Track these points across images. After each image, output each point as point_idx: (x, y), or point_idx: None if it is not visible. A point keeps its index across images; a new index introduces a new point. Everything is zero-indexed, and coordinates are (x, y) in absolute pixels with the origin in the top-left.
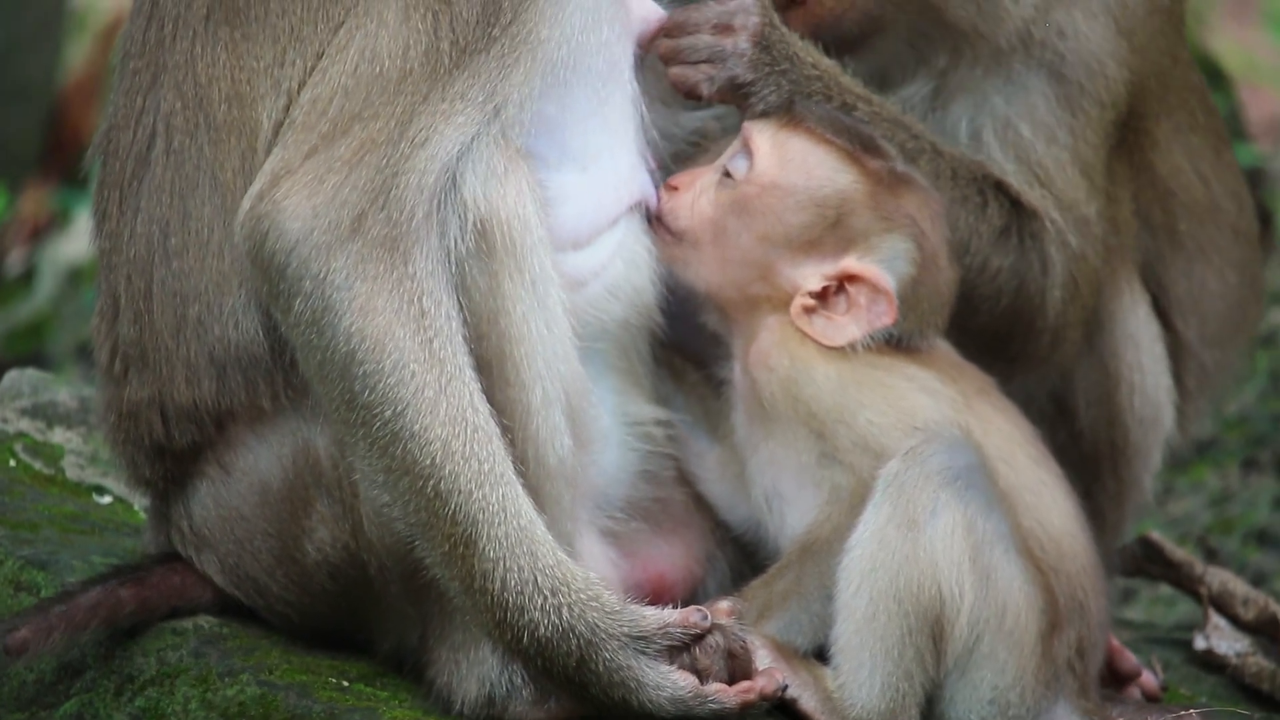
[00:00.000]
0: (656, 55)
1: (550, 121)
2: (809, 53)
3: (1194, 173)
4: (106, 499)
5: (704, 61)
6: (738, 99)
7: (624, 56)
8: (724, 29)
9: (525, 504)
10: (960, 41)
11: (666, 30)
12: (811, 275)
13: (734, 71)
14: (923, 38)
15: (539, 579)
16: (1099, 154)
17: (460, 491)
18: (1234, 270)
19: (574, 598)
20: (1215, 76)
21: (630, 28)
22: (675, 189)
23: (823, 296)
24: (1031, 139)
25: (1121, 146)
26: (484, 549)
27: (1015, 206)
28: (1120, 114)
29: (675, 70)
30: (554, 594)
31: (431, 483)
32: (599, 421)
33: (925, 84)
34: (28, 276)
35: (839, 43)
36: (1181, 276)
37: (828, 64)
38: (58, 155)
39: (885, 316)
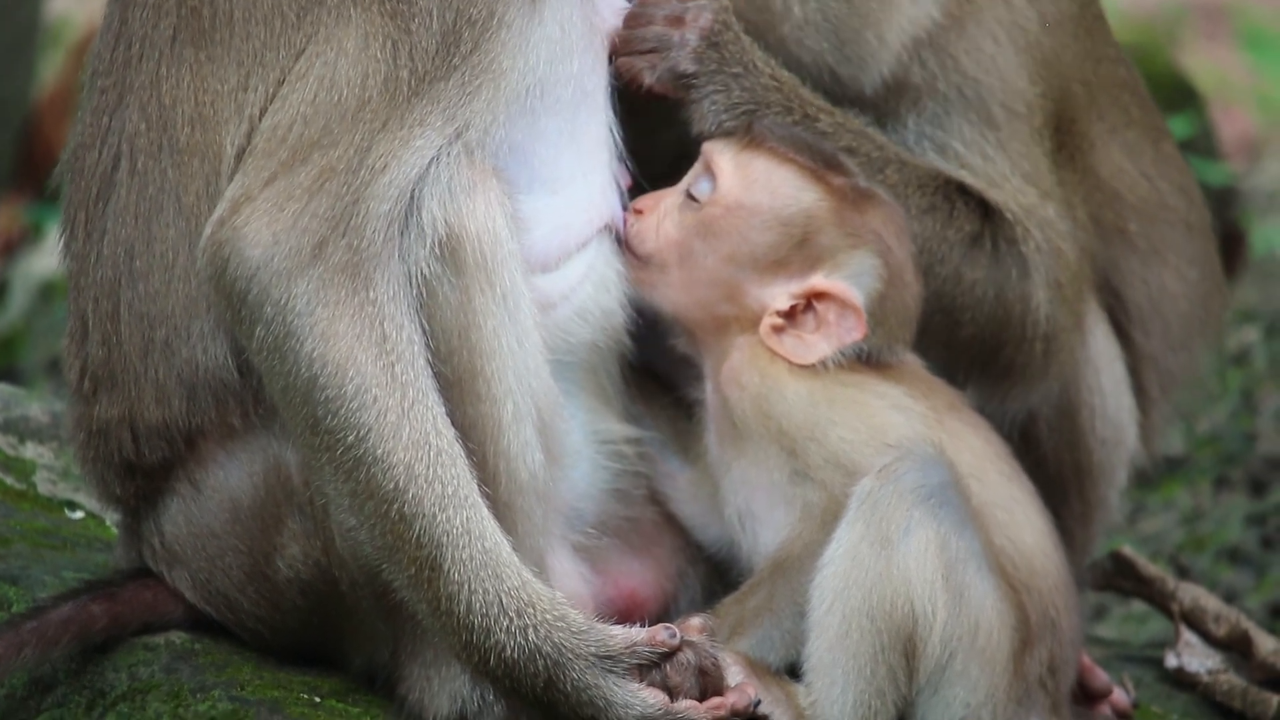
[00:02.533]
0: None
1: (519, 147)
2: (768, 64)
3: (1136, 171)
4: (78, 514)
5: (650, 51)
6: (680, 91)
7: (597, 85)
8: (675, 21)
9: (490, 526)
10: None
11: (624, 23)
12: (779, 294)
13: (675, 61)
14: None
15: (504, 600)
16: (1037, 162)
17: (424, 515)
18: (1192, 267)
19: (540, 618)
20: (1187, 96)
21: (604, 54)
22: (640, 213)
23: (791, 315)
24: (967, 154)
25: (1061, 153)
26: (449, 571)
27: (984, 212)
28: (1046, 120)
29: (621, 60)
30: (520, 615)
31: (396, 506)
32: (570, 437)
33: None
34: (0, 291)
35: None
36: (1138, 281)
37: (787, 76)
38: (31, 170)
39: (854, 332)
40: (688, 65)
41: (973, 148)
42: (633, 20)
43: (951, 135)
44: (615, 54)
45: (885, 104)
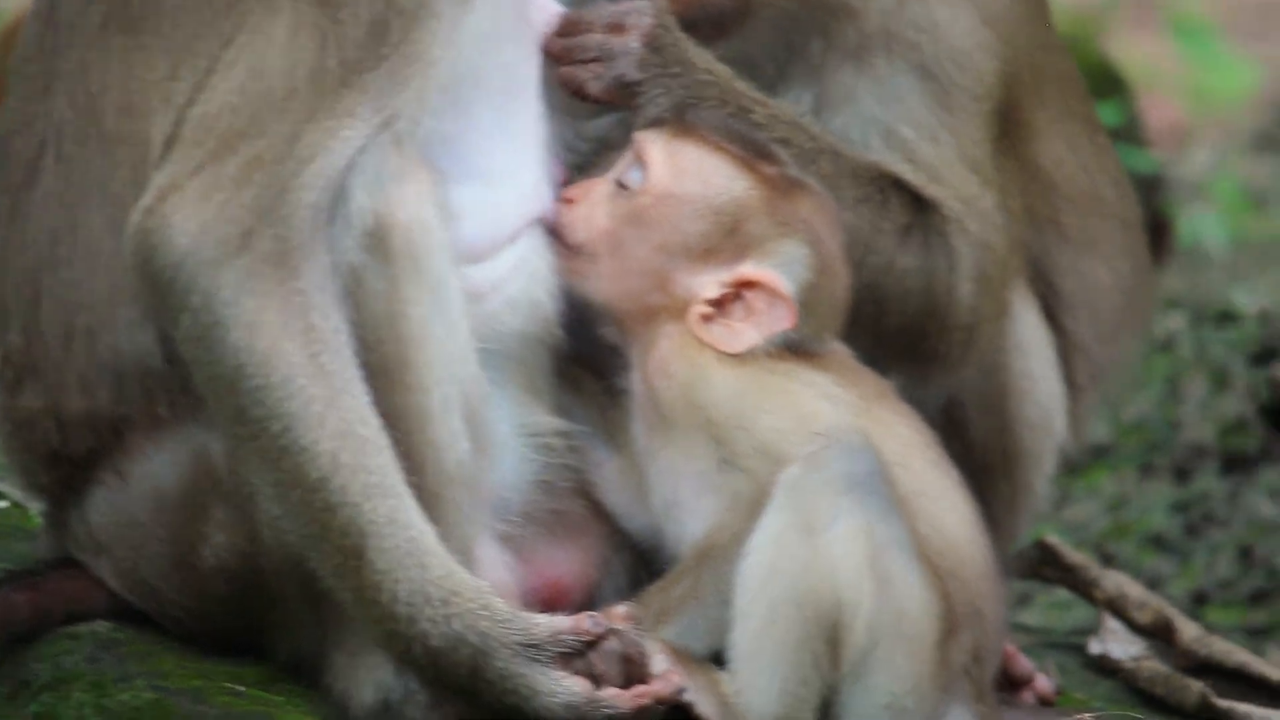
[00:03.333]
0: (549, 56)
1: (449, 138)
2: (703, 58)
3: (1075, 163)
4: (2, 504)
5: (593, 60)
6: (626, 99)
7: (528, 75)
8: (615, 28)
9: (415, 515)
10: (830, 21)
11: (560, 29)
12: (709, 283)
13: (621, 70)
14: (793, 21)
15: (429, 589)
16: (983, 148)
17: (349, 504)
18: (1123, 260)
19: (465, 607)
20: (1115, 83)
21: (535, 44)
22: (570, 202)
23: (721, 304)
24: (915, 141)
25: (1003, 140)
26: (374, 560)
27: (917, 204)
28: (996, 106)
29: (564, 70)
30: (445, 604)
31: (320, 495)
32: (498, 428)
33: (804, 91)
34: None
35: (711, 27)
36: (1070, 272)
37: (721, 69)
38: None
39: (783, 321)
40: (634, 74)
41: (923, 133)
42: (571, 28)
43: (901, 120)
44: (557, 61)
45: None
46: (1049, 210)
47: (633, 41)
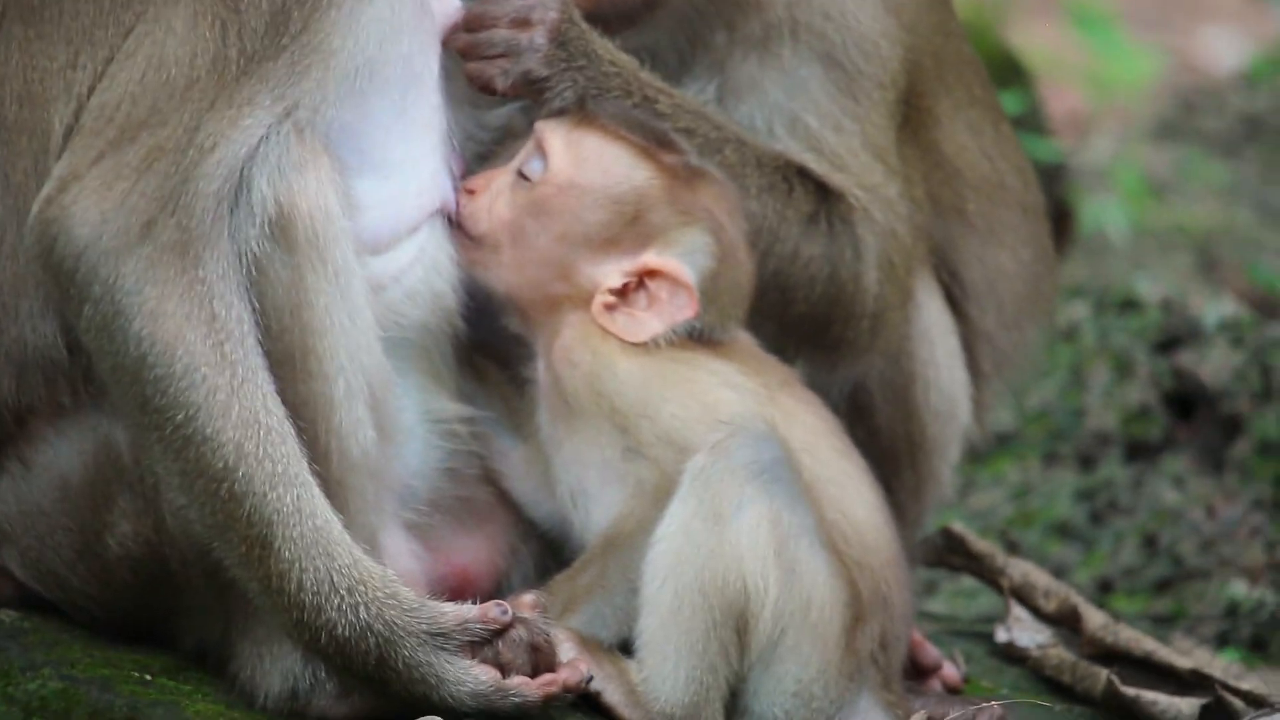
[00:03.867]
0: (454, 50)
1: (349, 129)
2: (607, 50)
3: (978, 150)
4: None
5: (499, 56)
6: (533, 94)
7: (427, 66)
8: (521, 23)
9: (321, 504)
10: (734, 12)
11: (465, 24)
12: (612, 272)
13: (528, 66)
14: (698, 12)
15: (335, 578)
16: (888, 136)
17: (254, 494)
18: (1026, 247)
19: (371, 596)
20: (1016, 72)
21: (434, 35)
22: (472, 193)
23: (623, 293)
24: (820, 130)
25: (906, 127)
26: (279, 550)
27: (822, 192)
28: (900, 93)
29: (471, 65)
30: (351, 593)
31: (226, 485)
32: (402, 415)
33: (709, 81)
34: None
35: (617, 19)
36: (975, 260)
37: (625, 60)
38: None
39: (686, 310)
40: (541, 70)
41: (827, 121)
42: (475, 22)
43: (806, 109)
44: (462, 56)
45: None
46: (952, 197)
47: (539, 37)
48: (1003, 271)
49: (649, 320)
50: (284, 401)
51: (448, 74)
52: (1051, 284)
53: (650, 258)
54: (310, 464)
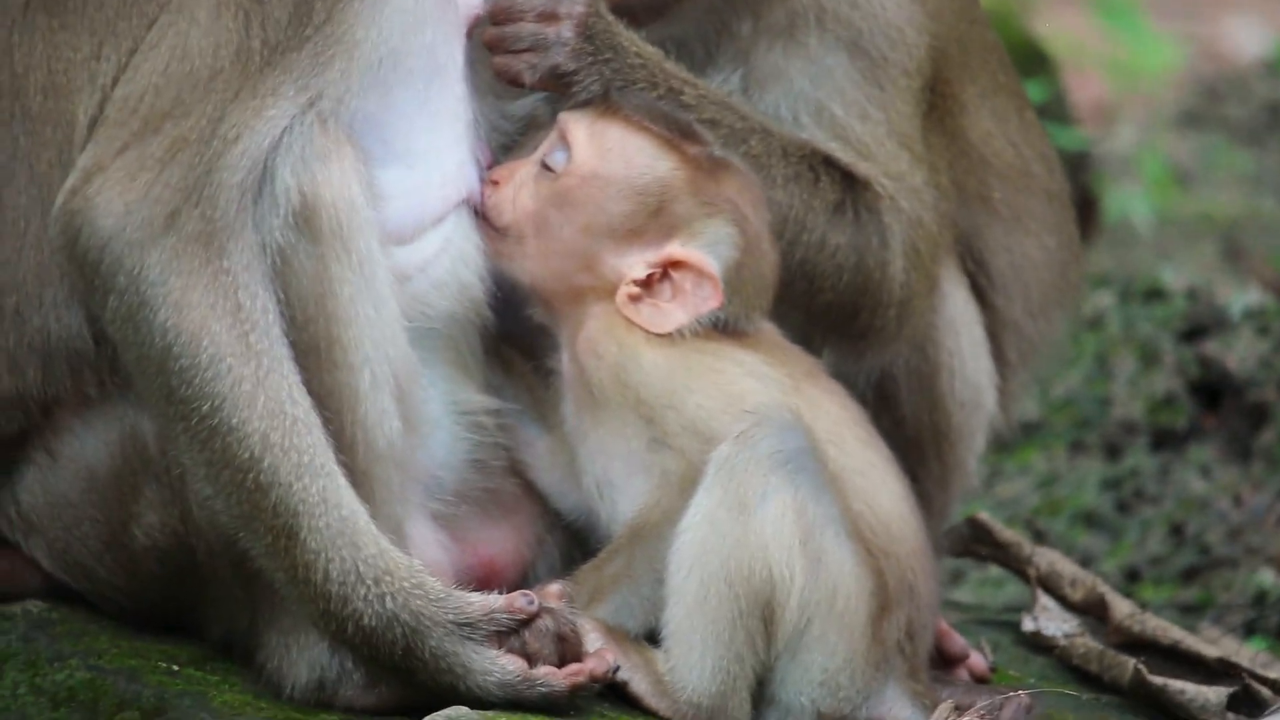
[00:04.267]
0: (481, 43)
1: (372, 119)
2: (633, 42)
3: (1003, 137)
4: None
5: (527, 50)
6: (560, 87)
7: (451, 57)
8: (548, 17)
9: (347, 494)
10: (760, 1)
11: (491, 17)
12: (636, 263)
13: (556, 60)
14: (725, 2)
15: (361, 569)
16: (913, 124)
17: (280, 484)
18: (1052, 235)
19: (397, 586)
20: (1040, 61)
21: (458, 26)
22: (496, 184)
23: (648, 284)
24: (846, 119)
25: (932, 115)
26: (305, 540)
27: (848, 181)
28: (926, 81)
29: (498, 59)
30: (377, 583)
31: (251, 475)
32: (428, 406)
33: (733, 71)
34: None
35: (643, 11)
36: (1000, 248)
37: (651, 51)
38: None
39: (711, 301)
40: (569, 64)
41: (853, 109)
42: (502, 15)
43: (832, 97)
44: (489, 50)
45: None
46: (978, 185)
47: (565, 31)
48: (1029, 259)
49: (673, 311)
50: (310, 392)
51: (472, 64)
52: (1077, 272)
53: (674, 248)
54: (336, 454)
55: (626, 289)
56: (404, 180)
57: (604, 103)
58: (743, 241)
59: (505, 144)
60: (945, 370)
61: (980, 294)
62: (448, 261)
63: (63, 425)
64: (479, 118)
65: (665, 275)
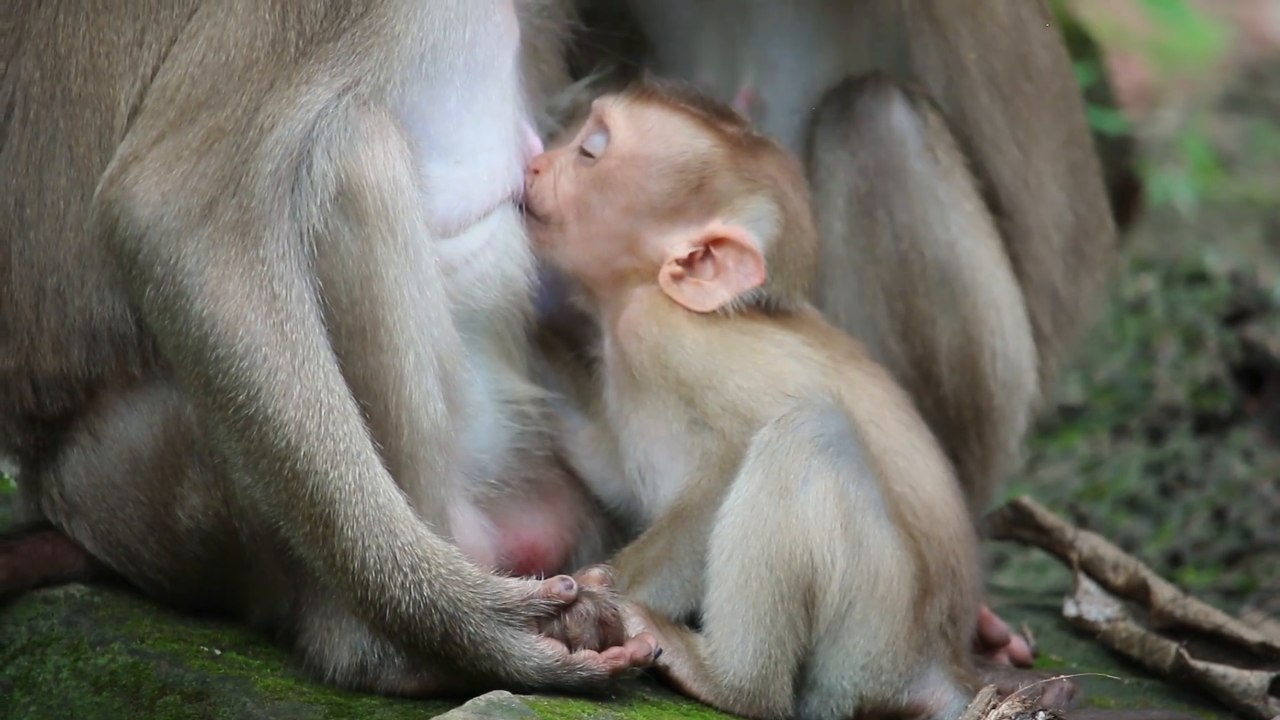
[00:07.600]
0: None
1: (416, 110)
2: None
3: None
4: None
5: None
6: None
7: (496, 54)
8: None
9: (384, 482)
10: None
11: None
12: (678, 242)
13: None
14: None
15: (398, 556)
16: None
17: (316, 472)
18: (1080, 201)
19: (435, 573)
20: (1084, 44)
21: (505, 25)
22: (536, 172)
23: (690, 263)
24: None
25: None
26: (342, 528)
27: None
28: None
29: None
30: (414, 571)
31: (288, 464)
32: (472, 390)
33: None
34: None
35: None
36: (1022, 189)
37: None
38: None
39: (753, 277)
40: None
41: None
42: None
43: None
44: None
45: None
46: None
47: None
48: (1050, 202)
49: (716, 289)
50: (354, 375)
51: (521, 64)
52: (1106, 236)
53: (716, 225)
54: (380, 438)
55: (669, 268)
56: (449, 174)
57: (639, 87)
58: (784, 218)
59: (548, 135)
60: (987, 350)
61: (1014, 259)
62: (493, 255)
63: (107, 406)
64: (530, 117)
65: (707, 253)
